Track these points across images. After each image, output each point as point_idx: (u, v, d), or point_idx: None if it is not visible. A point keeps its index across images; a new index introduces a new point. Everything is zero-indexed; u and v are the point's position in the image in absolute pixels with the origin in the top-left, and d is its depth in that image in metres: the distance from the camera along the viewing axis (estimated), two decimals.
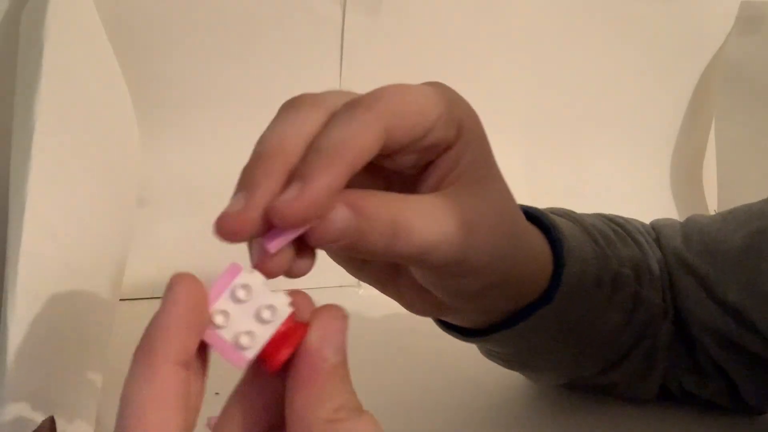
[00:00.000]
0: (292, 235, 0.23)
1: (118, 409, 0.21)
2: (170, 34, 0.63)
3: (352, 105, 0.25)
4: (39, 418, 0.28)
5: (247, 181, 0.23)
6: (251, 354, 0.22)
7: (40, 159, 0.36)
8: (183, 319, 0.21)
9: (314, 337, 0.22)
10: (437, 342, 0.53)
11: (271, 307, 0.22)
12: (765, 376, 0.43)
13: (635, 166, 0.86)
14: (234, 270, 0.23)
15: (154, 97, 0.63)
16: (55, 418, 0.29)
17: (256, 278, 0.23)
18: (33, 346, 0.30)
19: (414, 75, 0.83)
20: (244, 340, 0.22)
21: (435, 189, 0.28)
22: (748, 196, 0.45)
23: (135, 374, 0.21)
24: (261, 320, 0.22)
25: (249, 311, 0.22)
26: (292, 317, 0.23)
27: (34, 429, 0.27)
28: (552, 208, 0.41)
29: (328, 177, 0.23)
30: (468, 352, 0.52)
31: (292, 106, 0.26)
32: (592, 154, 0.84)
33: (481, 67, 0.76)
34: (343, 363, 0.22)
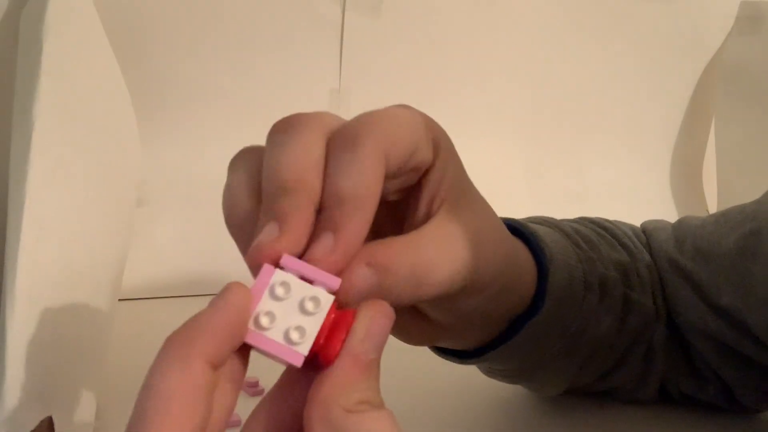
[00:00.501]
0: None
1: (139, 394, 0.20)
2: (170, 35, 0.63)
3: (353, 139, 0.25)
4: (38, 417, 0.28)
5: (276, 211, 0.23)
6: (305, 348, 0.22)
7: (39, 159, 0.36)
8: (229, 323, 0.21)
9: (360, 329, 0.22)
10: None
11: (314, 299, 0.22)
12: (759, 380, 0.42)
13: (635, 167, 0.86)
14: (268, 270, 0.23)
15: (154, 97, 0.63)
16: (54, 417, 0.29)
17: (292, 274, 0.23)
18: (32, 346, 0.30)
19: (414, 75, 0.84)
20: (294, 336, 0.22)
21: (427, 213, 0.28)
22: (747, 196, 0.45)
23: (166, 363, 0.21)
24: (306, 313, 0.22)
25: (292, 307, 0.22)
26: (334, 306, 0.23)
27: (32, 429, 0.27)
28: (530, 217, 0.41)
29: (357, 227, 0.24)
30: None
31: (290, 127, 0.25)
32: (592, 154, 0.84)
33: (480, 67, 0.76)
34: (378, 360, 0.22)
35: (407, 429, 0.43)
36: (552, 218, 0.42)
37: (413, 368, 0.51)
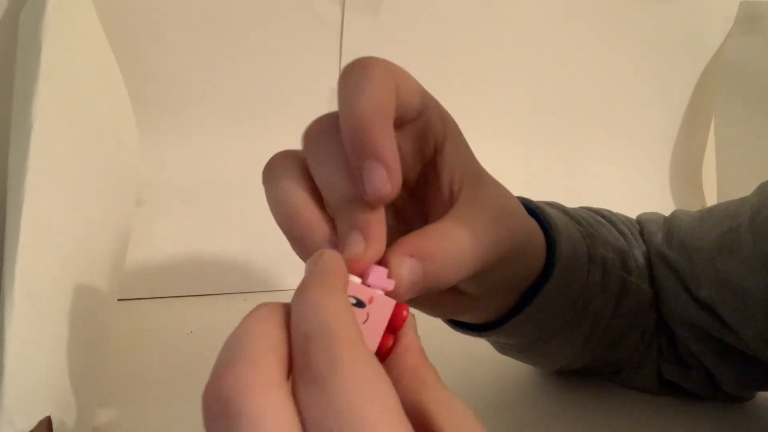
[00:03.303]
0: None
1: (299, 312, 0.21)
2: (170, 35, 0.63)
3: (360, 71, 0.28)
4: (36, 417, 0.28)
5: (359, 222, 0.25)
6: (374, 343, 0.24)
7: (37, 159, 0.36)
8: (344, 271, 0.24)
9: (409, 326, 0.25)
10: (434, 340, 0.53)
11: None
12: (739, 366, 0.44)
13: (635, 166, 0.86)
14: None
15: (153, 97, 0.63)
16: (53, 418, 0.29)
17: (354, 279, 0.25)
18: (31, 345, 0.30)
19: (414, 75, 0.83)
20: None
21: (450, 195, 0.29)
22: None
23: (322, 292, 0.22)
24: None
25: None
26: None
27: (31, 429, 0.27)
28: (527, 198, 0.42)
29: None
30: (469, 352, 0.52)
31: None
32: (592, 154, 0.84)
33: (480, 67, 0.76)
34: None
35: None
36: (554, 201, 0.43)
37: None
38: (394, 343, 0.24)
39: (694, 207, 0.52)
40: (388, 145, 0.25)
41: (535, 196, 0.50)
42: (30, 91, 0.39)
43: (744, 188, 0.46)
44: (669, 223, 0.47)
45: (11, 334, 0.29)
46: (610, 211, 0.48)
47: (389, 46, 0.72)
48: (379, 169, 0.24)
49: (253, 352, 0.20)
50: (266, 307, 0.22)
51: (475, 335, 0.40)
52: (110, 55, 0.55)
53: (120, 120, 0.54)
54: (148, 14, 0.62)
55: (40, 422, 0.28)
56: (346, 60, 0.70)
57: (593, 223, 0.44)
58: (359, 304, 0.24)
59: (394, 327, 0.25)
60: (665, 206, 0.86)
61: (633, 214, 0.51)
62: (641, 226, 0.48)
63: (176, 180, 0.65)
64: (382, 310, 0.24)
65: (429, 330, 0.52)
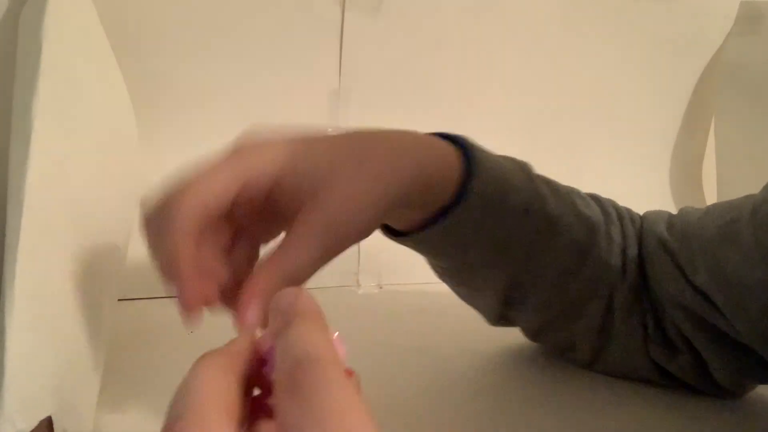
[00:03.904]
0: None
1: (290, 340, 0.22)
2: (170, 34, 0.63)
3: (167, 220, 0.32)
4: (37, 417, 0.28)
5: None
6: None
7: (38, 159, 0.36)
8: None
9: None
10: (434, 340, 0.53)
11: None
12: (732, 354, 0.45)
13: (635, 166, 0.86)
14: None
15: (154, 97, 0.63)
16: (54, 418, 0.29)
17: None
18: (31, 346, 0.30)
19: (413, 75, 0.83)
20: None
21: (293, 211, 0.33)
22: None
23: (309, 322, 0.23)
24: None
25: None
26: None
27: (31, 429, 0.27)
28: (507, 156, 0.45)
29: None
30: (463, 350, 0.52)
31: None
32: (592, 154, 0.84)
33: (480, 67, 0.76)
34: None
35: (405, 424, 0.43)
36: (526, 163, 0.46)
37: (410, 365, 0.51)
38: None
39: (694, 206, 0.52)
40: (185, 267, 0.31)
41: None
42: (30, 91, 0.39)
43: (744, 188, 0.46)
44: (674, 216, 0.49)
45: (11, 334, 0.29)
46: (602, 197, 0.50)
47: (389, 46, 0.72)
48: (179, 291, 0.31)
49: (197, 406, 0.21)
50: (210, 356, 0.23)
51: (398, 241, 0.43)
52: (110, 55, 0.55)
53: (120, 120, 0.54)
54: (148, 14, 0.62)
55: (41, 422, 0.28)
56: (346, 60, 0.71)
57: (567, 192, 0.47)
58: None
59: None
60: (665, 206, 0.85)
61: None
62: (644, 218, 0.50)
63: None
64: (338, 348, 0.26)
65: (430, 330, 0.52)
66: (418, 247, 0.44)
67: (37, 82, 0.39)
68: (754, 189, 0.45)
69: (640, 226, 0.50)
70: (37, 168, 0.36)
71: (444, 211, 0.40)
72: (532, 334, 0.52)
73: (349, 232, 0.33)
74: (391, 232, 0.43)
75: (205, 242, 0.33)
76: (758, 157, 0.81)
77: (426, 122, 0.80)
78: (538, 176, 0.46)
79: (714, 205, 0.47)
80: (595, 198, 0.50)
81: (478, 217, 0.41)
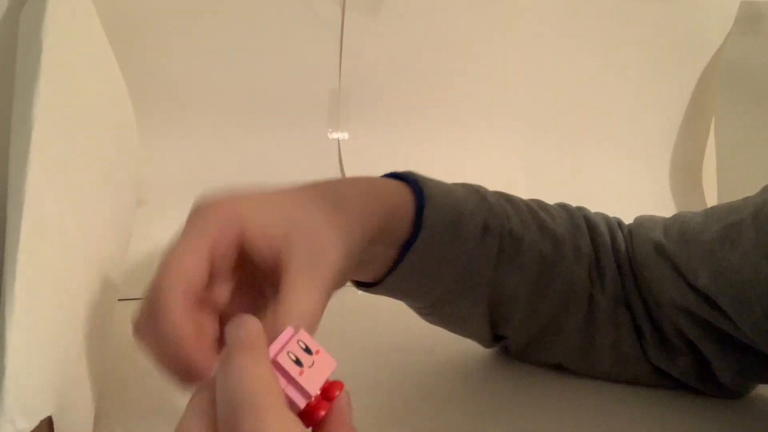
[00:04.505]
0: None
1: (225, 381, 0.23)
2: (170, 34, 0.63)
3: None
4: (37, 417, 0.28)
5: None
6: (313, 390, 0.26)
7: (38, 159, 0.36)
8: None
9: (343, 400, 0.27)
10: (431, 341, 0.53)
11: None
12: (737, 355, 0.45)
13: (635, 167, 0.86)
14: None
15: (154, 97, 0.63)
16: (54, 418, 0.29)
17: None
18: (31, 346, 0.30)
19: (413, 75, 0.83)
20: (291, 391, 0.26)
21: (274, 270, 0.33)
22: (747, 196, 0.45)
23: (245, 354, 0.24)
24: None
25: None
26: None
27: (31, 429, 0.27)
28: (460, 183, 0.46)
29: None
30: (460, 351, 0.52)
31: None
32: (592, 154, 0.84)
33: (480, 67, 0.76)
34: None
35: (403, 425, 0.43)
36: (481, 186, 0.47)
37: (409, 365, 0.51)
38: (326, 414, 0.26)
39: (694, 207, 0.52)
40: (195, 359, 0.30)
41: (534, 196, 0.51)
42: (30, 91, 0.39)
43: (744, 189, 0.46)
44: (670, 220, 0.49)
45: (11, 334, 0.29)
46: (585, 209, 0.51)
47: (389, 46, 0.72)
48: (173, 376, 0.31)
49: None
50: (194, 399, 0.25)
51: (370, 292, 0.45)
52: (110, 55, 0.55)
53: (121, 120, 0.54)
54: (148, 14, 0.62)
55: (41, 422, 0.28)
56: (346, 60, 0.71)
57: (528, 208, 0.47)
58: (307, 350, 0.27)
59: (328, 396, 0.27)
60: (665, 206, 0.86)
61: (633, 214, 0.51)
62: (637, 224, 0.50)
63: (176, 180, 0.65)
64: (325, 362, 0.27)
65: (430, 331, 0.52)
66: (390, 292, 0.45)
67: (37, 82, 0.39)
68: (754, 189, 0.45)
69: (629, 233, 0.49)
70: (37, 168, 0.36)
71: (406, 247, 0.41)
72: (522, 356, 0.51)
73: (339, 273, 0.34)
74: (362, 285, 0.45)
75: (203, 310, 0.33)
76: (758, 157, 0.81)
77: (426, 122, 0.80)
78: (497, 195, 0.47)
79: (711, 209, 0.47)
80: (566, 209, 0.50)
81: (439, 244, 0.42)
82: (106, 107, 0.51)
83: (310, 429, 0.26)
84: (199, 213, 0.34)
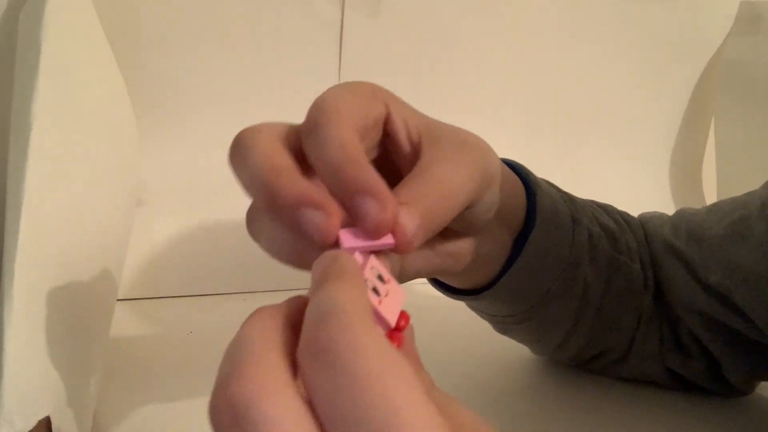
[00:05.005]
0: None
1: (315, 301, 0.20)
2: (169, 34, 0.63)
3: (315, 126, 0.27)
4: (35, 417, 0.28)
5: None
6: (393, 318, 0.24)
7: (37, 159, 0.36)
8: None
9: (410, 332, 0.26)
10: (434, 340, 0.53)
11: (379, 277, 0.25)
12: (747, 354, 0.45)
13: (634, 166, 0.86)
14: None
15: (154, 97, 0.63)
16: (53, 418, 0.29)
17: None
18: (30, 346, 0.30)
19: (413, 75, 0.83)
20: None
21: (412, 148, 0.30)
22: None
23: (339, 280, 0.21)
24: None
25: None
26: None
27: (30, 429, 0.27)
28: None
29: (373, 180, 0.25)
30: (464, 351, 0.52)
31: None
32: (592, 154, 0.84)
33: (480, 67, 0.76)
34: None
35: None
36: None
37: None
38: (398, 346, 0.25)
39: (693, 206, 0.52)
40: (371, 177, 0.24)
41: None
42: (30, 91, 0.39)
43: (744, 188, 0.46)
44: (675, 218, 0.48)
45: (11, 334, 0.29)
46: (602, 203, 0.49)
47: (389, 46, 0.72)
48: (370, 201, 0.24)
49: (257, 356, 0.19)
50: (264, 309, 0.21)
51: (472, 299, 0.41)
52: (110, 55, 0.55)
53: (120, 120, 0.54)
54: (148, 14, 0.62)
55: (40, 422, 0.28)
56: (346, 60, 0.70)
57: (583, 203, 0.45)
58: (380, 279, 0.24)
59: (398, 326, 0.25)
60: (665, 206, 0.86)
61: (633, 214, 0.51)
62: (644, 221, 0.49)
63: (176, 180, 0.65)
64: (398, 291, 0.25)
65: (433, 334, 0.52)
66: (501, 293, 0.40)
67: (37, 82, 0.39)
68: (754, 188, 0.45)
69: (643, 230, 0.49)
70: (37, 168, 0.36)
71: (519, 240, 0.38)
72: (570, 363, 0.49)
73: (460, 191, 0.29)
74: (467, 294, 0.41)
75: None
76: (758, 157, 0.81)
77: None
78: (559, 189, 0.44)
79: (715, 204, 0.47)
80: (595, 202, 0.48)
81: (549, 232, 0.39)
82: (105, 107, 0.51)
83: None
84: (345, 85, 0.30)
